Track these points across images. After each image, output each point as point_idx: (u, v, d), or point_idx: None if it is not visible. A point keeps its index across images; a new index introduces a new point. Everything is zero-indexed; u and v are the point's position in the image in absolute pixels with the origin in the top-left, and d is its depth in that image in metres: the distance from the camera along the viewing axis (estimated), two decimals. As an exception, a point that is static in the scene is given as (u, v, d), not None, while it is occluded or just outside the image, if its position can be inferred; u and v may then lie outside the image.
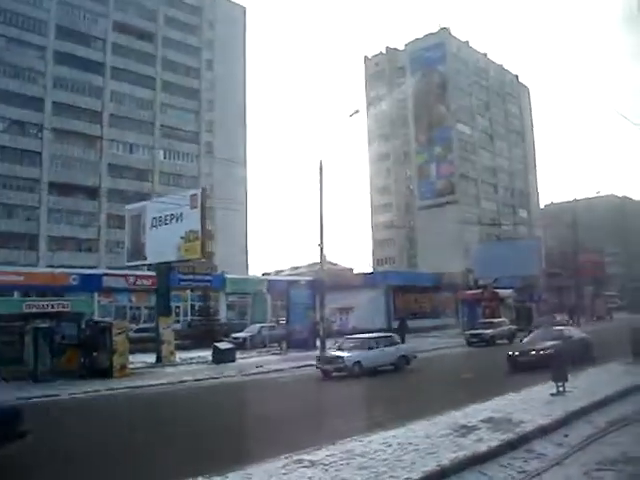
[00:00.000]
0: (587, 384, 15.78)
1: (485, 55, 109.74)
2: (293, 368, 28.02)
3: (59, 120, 67.40)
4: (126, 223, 36.38)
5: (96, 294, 52.10)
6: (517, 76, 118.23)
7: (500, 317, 43.98)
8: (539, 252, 57.14)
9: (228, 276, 61.24)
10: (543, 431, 10.71)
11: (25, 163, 65.33)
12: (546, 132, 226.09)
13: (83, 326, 28.00)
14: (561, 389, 14.52)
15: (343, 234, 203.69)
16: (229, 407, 18.10)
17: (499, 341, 38.17)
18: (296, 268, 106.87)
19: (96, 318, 34.18)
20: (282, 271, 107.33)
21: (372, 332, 46.39)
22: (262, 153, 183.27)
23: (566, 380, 14.68)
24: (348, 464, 8.90)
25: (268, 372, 26.95)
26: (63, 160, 68.11)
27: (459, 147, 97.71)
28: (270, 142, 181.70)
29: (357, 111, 29.45)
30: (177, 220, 30.95)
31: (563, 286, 74.92)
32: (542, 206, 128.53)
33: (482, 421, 11.43)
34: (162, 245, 31.55)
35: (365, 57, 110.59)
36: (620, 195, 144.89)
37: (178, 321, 54.38)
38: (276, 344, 38.00)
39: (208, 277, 60.36)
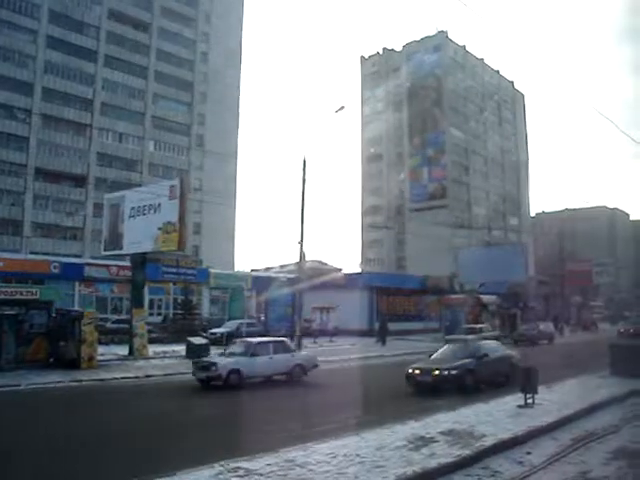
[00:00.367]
0: (559, 397, 15.23)
1: (482, 60, 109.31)
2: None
3: (48, 106, 66.75)
4: (104, 212, 35.67)
5: (77, 283, 51.43)
6: (513, 82, 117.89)
7: (483, 323, 43.45)
8: (524, 258, 56.54)
9: (212, 270, 60.62)
10: (504, 447, 10.17)
11: (12, 148, 64.55)
12: (540, 140, 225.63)
13: (54, 315, 27.32)
14: (530, 401, 13.93)
15: (334, 234, 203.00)
16: (182, 406, 17.31)
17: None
18: (285, 266, 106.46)
19: (68, 308, 33.09)
20: (271, 268, 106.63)
21: (353, 332, 46.59)
22: (254, 149, 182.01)
23: (535, 392, 14.05)
24: (285, 475, 8.31)
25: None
26: (51, 147, 67.40)
27: (452, 151, 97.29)
28: (263, 138, 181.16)
29: (343, 107, 28.84)
30: (155, 211, 30.26)
31: (550, 294, 74.72)
32: (533, 214, 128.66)
33: (441, 433, 10.87)
34: (139, 236, 30.90)
35: (362, 57, 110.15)
36: (611, 207, 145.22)
37: (160, 314, 54.02)
38: (255, 341, 37.30)
39: (192, 271, 59.62)
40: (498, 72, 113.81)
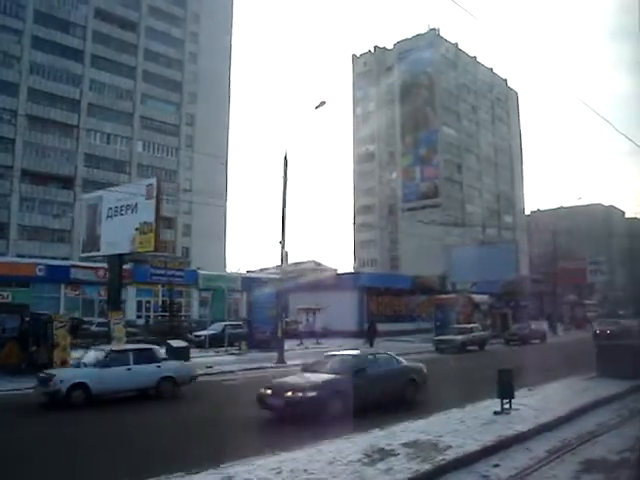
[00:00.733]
0: (539, 401, 14.36)
1: (474, 58, 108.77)
2: (245, 370, 26.58)
3: (35, 107, 65.76)
4: (82, 213, 34.88)
5: (63, 286, 50.75)
6: (506, 80, 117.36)
7: (474, 323, 42.74)
8: (516, 256, 55.87)
9: (201, 272, 60.00)
10: (470, 460, 9.36)
11: (-3, 149, 63.72)
12: (535, 138, 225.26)
13: (27, 318, 26.56)
14: (507, 407, 13.08)
15: (329, 234, 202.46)
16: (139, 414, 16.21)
17: (470, 347, 36.94)
18: (280, 266, 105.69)
19: (40, 311, 32.22)
20: (267, 269, 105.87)
21: (344, 334, 45.79)
22: (245, 148, 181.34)
23: (512, 397, 13.20)
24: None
25: (217, 373, 25.52)
26: (38, 148, 66.42)
27: (445, 150, 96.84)
28: (254, 137, 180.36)
29: (323, 102, 28.00)
30: (132, 211, 29.46)
31: (545, 293, 74.01)
32: (528, 212, 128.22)
33: (404, 444, 10.03)
34: (116, 236, 30.08)
35: (353, 55, 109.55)
36: (606, 204, 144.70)
37: (149, 316, 53.37)
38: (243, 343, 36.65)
39: (180, 272, 59.01)
40: (491, 70, 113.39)
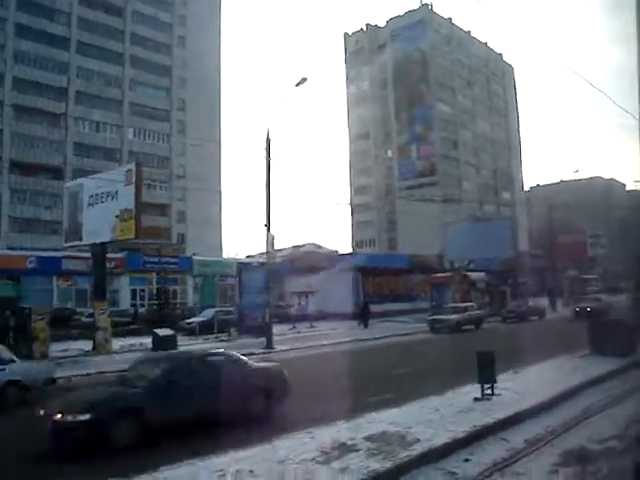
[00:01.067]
0: (525, 384, 13.53)
1: (468, 33, 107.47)
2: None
3: (21, 96, 64.60)
4: (64, 201, 34.08)
5: (55, 277, 50.13)
6: (501, 54, 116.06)
7: (470, 301, 41.97)
8: (511, 232, 54.99)
9: (196, 258, 59.27)
10: (439, 454, 8.58)
11: (-16, 141, 62.78)
12: (532, 113, 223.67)
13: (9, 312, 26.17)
14: (488, 392, 12.25)
15: (328, 216, 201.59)
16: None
17: (466, 327, 36.15)
18: (280, 250, 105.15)
19: (28, 304, 31.57)
20: (263, 254, 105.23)
21: (340, 316, 45.04)
22: (240, 129, 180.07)
23: (494, 382, 12.35)
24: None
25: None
26: (26, 138, 65.41)
27: (440, 127, 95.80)
28: (247, 119, 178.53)
29: (304, 79, 27.07)
30: (112, 198, 28.63)
31: (545, 268, 73.20)
32: (528, 188, 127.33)
33: (368, 438, 9.25)
34: (98, 225, 29.30)
35: (345, 34, 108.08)
36: (607, 177, 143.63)
37: (143, 305, 52.66)
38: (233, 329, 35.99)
39: (174, 259, 58.28)
40: (486, 44, 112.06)
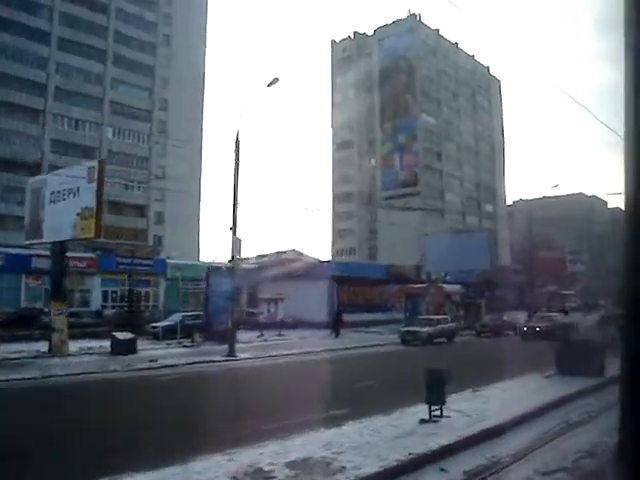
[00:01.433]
0: (480, 405, 12.67)
1: (456, 45, 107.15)
2: (191, 364, 24.88)
3: (-2, 90, 63.44)
4: (26, 197, 32.99)
5: (24, 276, 48.86)
6: (488, 68, 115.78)
7: (445, 314, 41.25)
8: (489, 245, 54.36)
9: (169, 261, 58.21)
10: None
11: (-42, 135, 61.52)
12: (517, 127, 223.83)
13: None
14: (437, 413, 11.33)
15: (310, 223, 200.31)
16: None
17: (437, 340, 35.34)
18: (263, 256, 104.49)
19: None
20: (248, 259, 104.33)
21: (314, 324, 44.17)
22: (221, 132, 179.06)
23: (443, 403, 11.42)
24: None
25: (159, 367, 23.76)
26: (1, 133, 64.13)
27: (424, 138, 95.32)
28: (231, 121, 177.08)
29: (277, 79, 26.27)
30: (74, 195, 27.63)
31: (524, 283, 72.77)
32: (511, 202, 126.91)
33: (290, 464, 8.34)
34: (59, 222, 28.26)
35: (332, 41, 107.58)
36: (589, 194, 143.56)
37: (114, 307, 51.49)
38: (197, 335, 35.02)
39: (147, 261, 57.26)
40: (473, 57, 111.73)
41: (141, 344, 31.23)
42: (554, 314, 43.72)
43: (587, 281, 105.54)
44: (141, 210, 75.70)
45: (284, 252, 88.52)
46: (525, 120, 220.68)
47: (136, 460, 8.58)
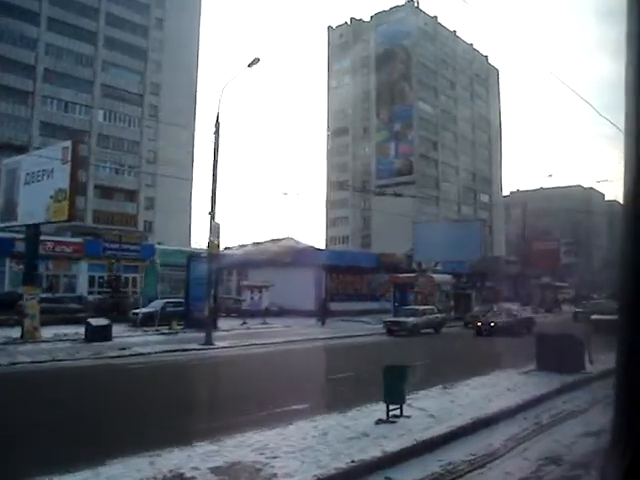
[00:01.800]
0: (446, 405, 11.70)
1: (454, 32, 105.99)
2: (164, 352, 24.07)
3: (-16, 72, 62.40)
4: (1, 179, 32.07)
5: (8, 259, 47.95)
6: (487, 57, 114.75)
7: (433, 304, 40.41)
8: (482, 235, 53.47)
9: (159, 247, 57.32)
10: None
11: (-56, 116, 60.48)
12: (515, 118, 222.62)
13: None
14: (397, 413, 10.37)
15: (307, 211, 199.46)
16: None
17: (424, 330, 34.52)
18: (258, 244, 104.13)
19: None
20: (245, 246, 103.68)
21: (302, 313, 43.46)
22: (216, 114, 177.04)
23: (402, 402, 10.51)
24: None
25: (129, 356, 22.97)
26: (-11, 114, 63.25)
27: (420, 126, 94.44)
28: (225, 106, 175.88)
29: (257, 60, 25.38)
30: (48, 177, 26.75)
31: (519, 274, 72.15)
32: (508, 193, 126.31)
33: (215, 469, 7.43)
34: (33, 205, 27.39)
35: (329, 27, 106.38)
36: (586, 186, 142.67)
37: (100, 293, 50.69)
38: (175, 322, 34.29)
39: (135, 246, 56.35)
40: (471, 45, 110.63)
41: (119, 331, 30.52)
42: (514, 307, 40.02)
43: (583, 273, 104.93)
44: (131, 195, 74.88)
45: (280, 240, 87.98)
46: (524, 111, 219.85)
47: (46, 463, 7.69)
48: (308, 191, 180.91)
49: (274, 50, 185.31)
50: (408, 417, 10.23)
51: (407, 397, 11.62)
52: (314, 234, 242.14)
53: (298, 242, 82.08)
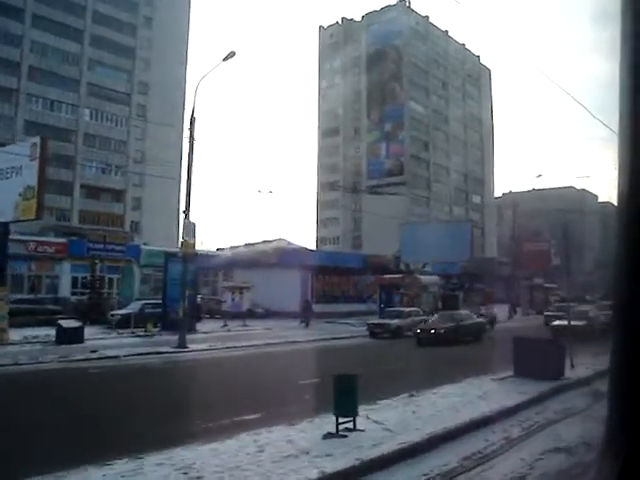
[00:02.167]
0: (407, 416, 10.67)
1: (446, 32, 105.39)
2: (135, 355, 23.23)
3: (-33, 69, 61.52)
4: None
5: (-13, 261, 47.07)
6: (479, 57, 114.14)
7: (419, 306, 39.71)
8: (471, 236, 52.67)
9: (144, 247, 56.50)
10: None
11: None
12: (507, 119, 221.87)
13: None
14: (350, 425, 9.41)
15: (300, 212, 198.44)
16: None
17: (408, 332, 33.67)
18: (251, 245, 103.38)
19: None
20: (237, 247, 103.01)
21: (288, 314, 42.66)
22: (206, 118, 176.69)
23: (355, 414, 9.51)
24: None
25: (97, 359, 22.08)
26: (-31, 112, 62.39)
27: (411, 126, 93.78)
28: (214, 106, 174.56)
29: (233, 53, 24.58)
30: (17, 174, 25.89)
31: (510, 275, 71.47)
32: (500, 194, 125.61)
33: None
34: (1, 202, 26.47)
35: (320, 27, 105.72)
36: (579, 188, 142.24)
37: (83, 294, 49.80)
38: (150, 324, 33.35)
39: (120, 247, 55.42)
40: (463, 45, 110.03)
41: (92, 333, 29.76)
42: (462, 312, 34.70)
43: (575, 274, 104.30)
44: (118, 195, 74.05)
45: (272, 241, 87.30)
46: (517, 112, 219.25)
47: None
48: (300, 192, 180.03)
49: (265, 50, 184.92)
50: (362, 431, 9.30)
51: (369, 406, 10.89)
52: (306, 235, 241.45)
53: (290, 243, 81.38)
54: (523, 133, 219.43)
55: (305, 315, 39.99)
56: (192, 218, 25.88)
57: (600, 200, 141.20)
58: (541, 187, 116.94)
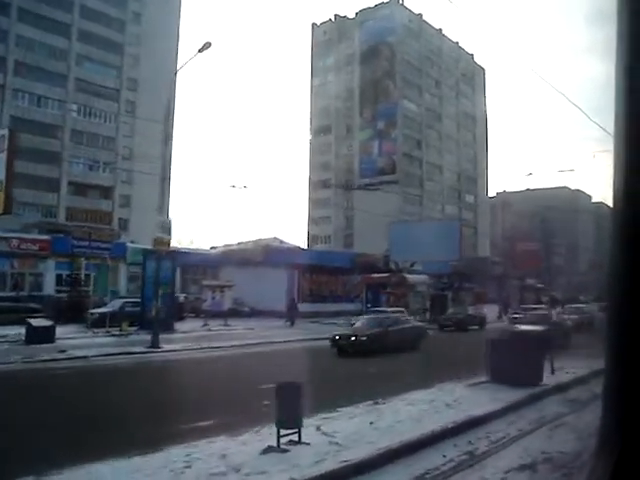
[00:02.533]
0: (363, 427, 9.71)
1: (440, 31, 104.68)
2: (105, 355, 22.46)
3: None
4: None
5: (-31, 258, 46.44)
6: (473, 56, 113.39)
7: (406, 306, 38.93)
8: (460, 236, 51.84)
9: (130, 245, 55.74)
10: None
11: None
12: (501, 118, 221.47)
13: None
14: (295, 438, 8.51)
15: (292, 210, 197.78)
16: None
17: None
18: (242, 243, 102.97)
19: None
20: (230, 245, 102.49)
21: (275, 314, 41.91)
22: (196, 115, 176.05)
23: (300, 425, 8.60)
24: None
25: (65, 359, 21.30)
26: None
27: (404, 125, 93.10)
28: (205, 103, 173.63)
29: (208, 44, 23.80)
30: (-14, 167, 25.12)
31: (503, 275, 71.08)
32: (494, 194, 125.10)
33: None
34: (-29, 198, 25.75)
35: (313, 24, 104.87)
36: (573, 188, 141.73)
37: (67, 292, 49.05)
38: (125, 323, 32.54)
39: (106, 244, 54.61)
40: (457, 44, 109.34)
41: (66, 332, 28.96)
42: (395, 315, 30.21)
43: (569, 275, 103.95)
44: (106, 192, 73.25)
45: (264, 240, 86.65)
46: (511, 112, 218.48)
47: None
48: (292, 190, 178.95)
49: (257, 48, 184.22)
50: (307, 444, 8.39)
51: (326, 415, 10.10)
52: (299, 234, 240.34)
53: (283, 242, 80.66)
54: (518, 133, 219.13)
55: (290, 314, 39.27)
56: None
57: (594, 200, 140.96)
58: (535, 187, 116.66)
